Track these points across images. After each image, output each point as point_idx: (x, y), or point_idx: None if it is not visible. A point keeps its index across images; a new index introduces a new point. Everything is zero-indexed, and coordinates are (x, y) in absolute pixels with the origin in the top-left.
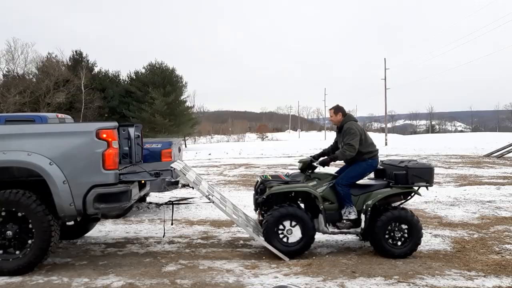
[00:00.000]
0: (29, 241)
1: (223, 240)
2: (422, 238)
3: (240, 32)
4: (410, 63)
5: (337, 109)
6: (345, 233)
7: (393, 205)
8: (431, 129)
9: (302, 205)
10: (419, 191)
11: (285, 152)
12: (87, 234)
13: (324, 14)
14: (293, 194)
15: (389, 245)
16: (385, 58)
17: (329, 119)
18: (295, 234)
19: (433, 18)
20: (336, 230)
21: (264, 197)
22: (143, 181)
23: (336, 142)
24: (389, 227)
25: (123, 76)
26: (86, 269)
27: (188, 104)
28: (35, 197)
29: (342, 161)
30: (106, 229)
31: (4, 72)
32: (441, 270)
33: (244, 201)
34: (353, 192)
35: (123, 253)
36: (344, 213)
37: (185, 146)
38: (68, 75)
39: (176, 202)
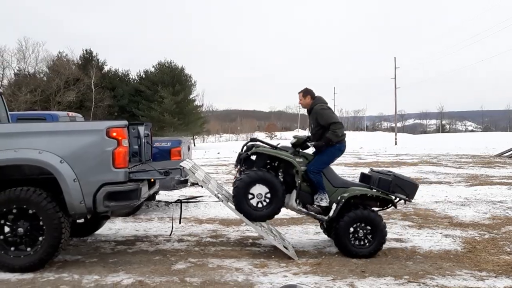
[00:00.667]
0: (40, 238)
1: (232, 239)
2: (384, 244)
3: (250, 31)
4: (421, 62)
5: (306, 92)
6: (312, 216)
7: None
8: (441, 129)
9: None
10: (398, 205)
11: None
12: (97, 232)
13: (333, 12)
14: (275, 164)
15: (351, 243)
16: (395, 57)
17: (299, 103)
18: (265, 199)
19: (444, 16)
20: (303, 210)
21: (249, 153)
22: (152, 180)
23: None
24: (354, 226)
25: (133, 75)
26: (96, 267)
27: (197, 103)
28: (45, 194)
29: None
30: (116, 227)
31: (16, 71)
32: (452, 271)
33: None
34: (334, 183)
35: (133, 251)
36: (316, 198)
37: (194, 145)
38: (78, 74)
39: (185, 200)
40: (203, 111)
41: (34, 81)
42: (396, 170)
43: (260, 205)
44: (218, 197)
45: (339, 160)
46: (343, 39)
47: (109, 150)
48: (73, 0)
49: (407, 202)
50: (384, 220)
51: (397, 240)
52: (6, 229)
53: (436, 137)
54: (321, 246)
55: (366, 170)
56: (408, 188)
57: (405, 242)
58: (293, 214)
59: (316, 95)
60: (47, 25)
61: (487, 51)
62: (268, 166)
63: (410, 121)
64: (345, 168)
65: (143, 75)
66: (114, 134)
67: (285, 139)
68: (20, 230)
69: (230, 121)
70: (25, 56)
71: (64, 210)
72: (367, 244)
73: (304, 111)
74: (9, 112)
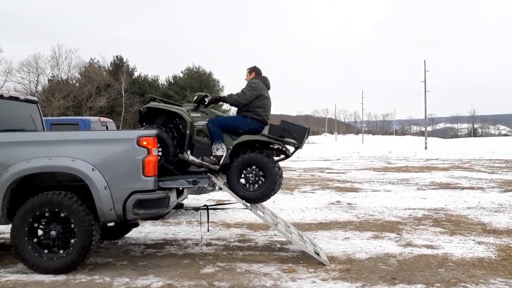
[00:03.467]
0: (72, 241)
1: (260, 243)
2: (273, 190)
3: (276, 34)
4: (452, 64)
5: (253, 69)
6: (205, 166)
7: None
8: (473, 133)
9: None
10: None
11: (322, 156)
12: (127, 235)
13: (362, 14)
14: (177, 121)
15: (241, 186)
16: (425, 60)
17: (245, 79)
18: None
19: (477, 17)
20: (196, 160)
21: (141, 109)
22: (180, 188)
23: None
24: (244, 169)
25: (162, 80)
26: (126, 269)
27: (224, 107)
28: (76, 197)
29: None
30: (145, 230)
31: (49, 77)
32: (485, 279)
33: (281, 204)
34: (233, 137)
35: (162, 254)
36: (213, 149)
37: None
38: (109, 79)
39: (213, 207)
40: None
41: (67, 87)
42: (426, 175)
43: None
44: (246, 205)
45: (368, 165)
46: (372, 41)
47: (139, 158)
48: (105, 8)
49: (298, 148)
50: (276, 164)
51: (428, 246)
52: (40, 232)
53: (468, 142)
54: (350, 252)
55: (394, 175)
56: (295, 132)
57: (436, 249)
58: (321, 219)
59: (263, 75)
60: (80, 33)
61: None
62: (171, 124)
63: (440, 125)
64: (374, 173)
65: (172, 80)
66: (144, 143)
67: (312, 143)
68: (53, 233)
69: None
70: (58, 63)
71: (94, 213)
72: (258, 186)
73: (330, 115)
74: (43, 118)
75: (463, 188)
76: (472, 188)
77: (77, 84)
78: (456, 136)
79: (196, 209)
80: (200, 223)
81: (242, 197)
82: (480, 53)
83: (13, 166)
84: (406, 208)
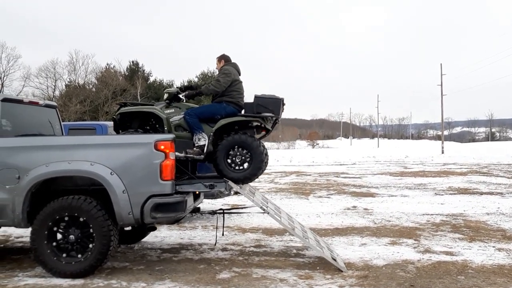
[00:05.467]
0: (90, 245)
1: (276, 249)
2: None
3: (291, 37)
4: (469, 67)
5: (222, 57)
6: (191, 159)
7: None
8: (491, 137)
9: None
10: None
11: (337, 160)
12: (144, 239)
13: (376, 17)
14: (153, 122)
15: (229, 168)
16: (441, 64)
17: (215, 68)
18: None
19: (494, 19)
20: (180, 155)
21: (114, 116)
22: (197, 192)
23: None
24: (230, 151)
25: (177, 85)
26: (143, 274)
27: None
28: (95, 202)
29: None
30: (161, 235)
31: (67, 82)
32: (506, 286)
33: (296, 209)
34: (212, 125)
35: (178, 259)
36: (195, 140)
37: None
38: (125, 84)
39: (228, 211)
40: None
41: (83, 92)
42: (444, 180)
43: None
44: (263, 209)
45: (384, 169)
46: (387, 45)
47: (156, 162)
48: (121, 14)
49: (276, 121)
50: (263, 147)
51: (447, 253)
52: (59, 236)
53: (486, 146)
54: (367, 258)
55: (410, 180)
56: (270, 104)
57: (455, 255)
58: (337, 225)
59: (232, 61)
60: (96, 38)
61: None
62: (147, 126)
63: (457, 129)
64: (390, 178)
65: (187, 85)
66: (162, 147)
67: (327, 147)
68: (72, 237)
69: None
70: (75, 68)
71: (112, 217)
72: (245, 167)
73: (345, 119)
74: (61, 123)
75: (481, 193)
76: (491, 193)
77: (94, 89)
78: (474, 140)
79: (213, 212)
80: (216, 228)
81: (230, 178)
82: (498, 55)
83: (33, 170)
84: (424, 213)
